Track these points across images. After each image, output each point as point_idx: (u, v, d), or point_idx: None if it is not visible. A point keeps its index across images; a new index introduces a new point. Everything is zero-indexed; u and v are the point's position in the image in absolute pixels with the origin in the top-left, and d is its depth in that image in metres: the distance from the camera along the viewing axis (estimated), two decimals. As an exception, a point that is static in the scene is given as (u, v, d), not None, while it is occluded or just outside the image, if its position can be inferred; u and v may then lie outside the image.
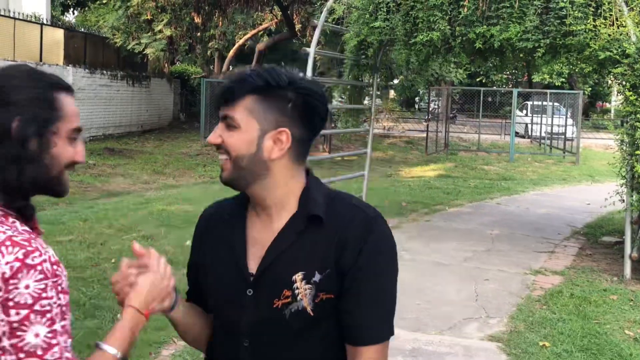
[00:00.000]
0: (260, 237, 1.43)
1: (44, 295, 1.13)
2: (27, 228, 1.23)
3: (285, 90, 1.37)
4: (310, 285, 1.35)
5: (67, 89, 1.35)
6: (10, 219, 1.22)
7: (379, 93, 14.55)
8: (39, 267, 1.13)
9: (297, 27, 19.58)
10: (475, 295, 5.64)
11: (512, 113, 18.63)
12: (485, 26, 6.78)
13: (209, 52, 19.72)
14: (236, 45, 21.76)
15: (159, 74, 23.15)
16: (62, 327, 1.15)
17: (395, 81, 21.80)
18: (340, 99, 19.06)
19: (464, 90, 25.43)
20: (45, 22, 18.18)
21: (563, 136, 19.23)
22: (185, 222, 7.70)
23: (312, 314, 1.35)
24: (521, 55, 8.05)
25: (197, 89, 24.29)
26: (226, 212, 1.53)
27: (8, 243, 1.14)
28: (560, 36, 6.49)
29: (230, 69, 22.32)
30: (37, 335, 1.12)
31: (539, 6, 6.53)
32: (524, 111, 23.74)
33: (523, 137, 22.79)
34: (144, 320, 1.37)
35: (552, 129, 19.62)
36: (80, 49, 18.87)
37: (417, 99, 38.72)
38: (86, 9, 27.10)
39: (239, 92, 1.37)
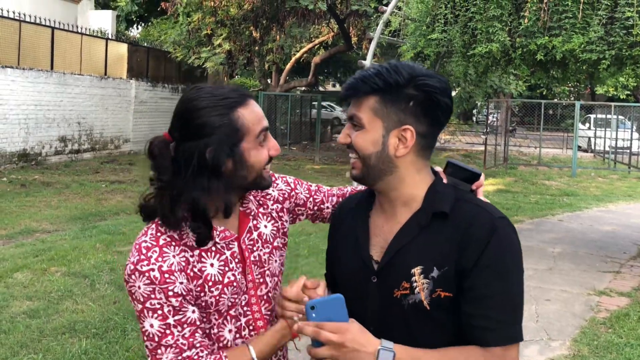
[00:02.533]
0: (384, 229, 1.48)
1: (152, 296, 1.39)
2: (168, 234, 1.44)
3: (406, 88, 1.40)
4: (428, 280, 1.38)
5: (243, 101, 1.48)
6: (163, 229, 1.45)
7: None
8: (146, 274, 1.39)
9: (354, 39, 19.60)
10: (536, 316, 5.44)
11: (575, 126, 18.05)
12: (547, 37, 6.60)
13: (266, 66, 19.95)
14: (293, 59, 21.95)
15: (218, 87, 23.58)
16: (176, 320, 1.40)
17: (453, 93, 21.53)
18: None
19: (524, 103, 24.87)
20: (110, 37, 18.81)
21: (628, 150, 18.51)
22: (241, 234, 7.77)
23: (428, 307, 1.38)
24: (584, 67, 7.80)
25: (255, 102, 24.63)
26: (354, 204, 1.60)
27: (135, 248, 1.43)
28: (627, 47, 6.25)
29: (287, 81, 22.53)
30: (151, 325, 1.39)
31: (604, 16, 6.31)
32: (587, 124, 23.02)
33: (586, 151, 22.08)
34: (289, 337, 1.51)
35: (616, 143, 18.93)
36: (143, 62, 19.43)
37: (475, 111, 38.14)
38: (149, 24, 27.92)
39: (361, 93, 1.43)
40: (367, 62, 7.64)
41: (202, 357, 1.41)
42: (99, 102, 16.45)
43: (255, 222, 1.60)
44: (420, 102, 1.40)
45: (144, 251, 1.41)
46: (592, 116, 22.71)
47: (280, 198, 1.69)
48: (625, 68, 7.06)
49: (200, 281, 1.45)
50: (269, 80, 24.50)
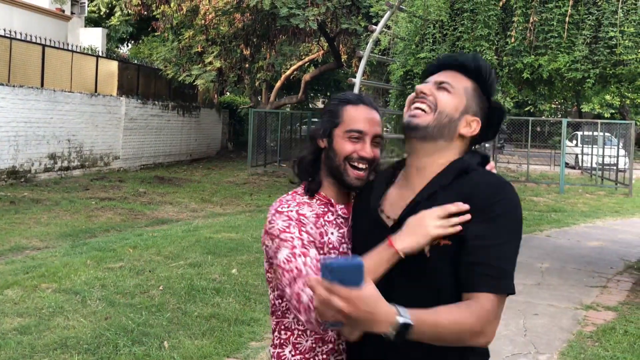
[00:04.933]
0: (405, 193, 1.64)
1: (287, 230, 1.70)
2: (305, 198, 1.83)
3: (490, 96, 1.68)
4: None
5: (354, 102, 1.84)
6: (300, 191, 1.86)
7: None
8: (285, 213, 1.74)
9: (343, 57, 19.78)
10: (524, 330, 5.50)
11: (562, 143, 18.26)
12: (533, 56, 6.73)
13: (257, 83, 20.07)
14: (283, 76, 22.10)
15: (209, 105, 23.68)
16: (302, 252, 1.67)
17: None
18: (385, 129, 19.06)
19: (512, 120, 25.12)
20: (100, 54, 18.87)
21: (615, 167, 18.71)
22: (231, 250, 7.79)
23: (428, 254, 1.50)
24: (570, 85, 7.94)
25: (245, 119, 24.72)
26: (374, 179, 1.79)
27: (276, 201, 1.81)
28: (611, 66, 6.38)
29: (277, 99, 22.64)
30: (282, 255, 1.68)
31: (588, 36, 6.45)
32: (574, 141, 23.26)
33: (573, 168, 22.29)
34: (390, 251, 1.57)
35: (603, 160, 19.14)
36: (133, 80, 19.49)
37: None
38: (140, 41, 28.03)
39: (470, 71, 1.65)
40: (357, 80, 7.73)
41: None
42: (89, 120, 16.47)
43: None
44: (490, 113, 1.68)
45: (284, 201, 1.79)
46: (579, 133, 22.96)
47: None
48: (610, 86, 7.20)
49: (321, 244, 1.75)
50: (259, 98, 24.62)
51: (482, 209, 1.48)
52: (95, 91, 17.37)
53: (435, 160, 1.61)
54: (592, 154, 19.81)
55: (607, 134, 20.41)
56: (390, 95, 9.25)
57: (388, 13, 7.67)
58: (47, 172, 14.94)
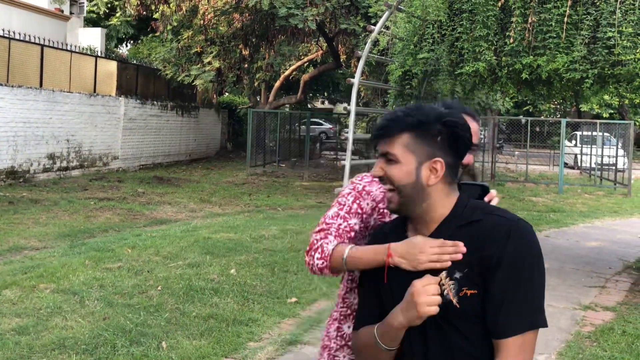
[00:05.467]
0: None
1: (345, 196, 1.96)
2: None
3: (434, 125, 1.61)
4: (453, 282, 1.56)
5: (473, 116, 2.13)
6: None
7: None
8: (351, 186, 1.99)
9: (342, 57, 19.78)
10: (522, 330, 5.49)
11: (561, 143, 18.27)
12: (531, 56, 6.72)
13: (256, 83, 20.07)
14: (282, 76, 22.10)
15: (208, 105, 23.67)
16: (343, 217, 1.92)
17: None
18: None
19: (511, 120, 25.12)
20: (99, 54, 18.86)
21: (614, 167, 18.72)
22: (230, 250, 7.79)
23: (457, 305, 1.54)
24: (569, 85, 7.94)
25: (244, 119, 24.72)
26: (387, 229, 1.80)
27: (360, 174, 2.03)
28: (609, 66, 6.38)
29: (276, 99, 22.64)
30: (330, 212, 1.95)
31: (586, 36, 6.45)
32: (573, 141, 23.27)
33: (572, 168, 22.30)
34: (384, 256, 1.69)
35: (602, 160, 19.15)
36: (132, 80, 19.48)
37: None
38: (139, 41, 28.02)
39: (395, 130, 1.63)
40: (356, 80, 7.73)
41: (329, 242, 1.87)
42: (88, 120, 16.46)
43: None
44: (447, 137, 1.61)
45: (361, 175, 2.01)
46: (578, 133, 22.97)
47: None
48: (608, 86, 7.20)
49: (367, 219, 1.96)
50: (258, 98, 24.62)
51: (497, 257, 1.54)
52: (94, 91, 17.37)
53: (433, 216, 1.64)
54: (591, 154, 19.82)
55: (606, 134, 20.42)
56: (389, 96, 9.25)
57: (387, 13, 7.67)
58: (46, 172, 14.94)
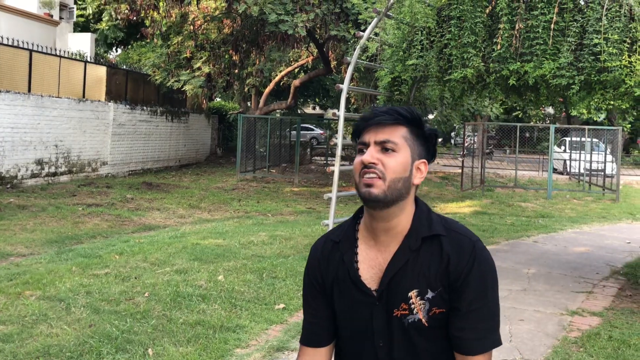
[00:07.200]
0: (379, 260, 1.62)
1: None
2: None
3: (423, 127, 1.64)
4: (424, 301, 1.57)
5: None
6: None
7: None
8: None
9: (333, 63, 19.81)
10: (510, 336, 5.51)
11: (550, 149, 18.38)
12: (519, 63, 6.76)
13: (246, 89, 20.04)
14: (273, 82, 22.09)
15: (198, 110, 23.63)
16: None
17: (430, 116, 21.79)
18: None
19: (501, 126, 25.24)
20: (89, 59, 18.78)
21: (602, 173, 18.85)
22: (218, 256, 7.76)
23: (426, 324, 1.57)
24: (556, 91, 7.98)
25: (234, 124, 24.69)
26: (336, 238, 1.71)
27: None
28: (595, 72, 6.42)
29: (267, 104, 22.63)
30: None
31: (573, 43, 6.50)
32: (562, 147, 23.40)
33: (561, 173, 22.42)
34: None
35: (591, 166, 19.26)
36: (122, 85, 19.42)
37: (452, 134, 38.56)
38: (129, 47, 27.95)
39: (398, 120, 1.60)
40: (345, 86, 7.73)
41: None
42: (77, 125, 16.39)
43: None
44: (430, 142, 1.65)
45: None
46: (567, 139, 23.10)
47: None
48: (595, 93, 7.24)
49: None
50: (248, 103, 24.60)
51: (463, 277, 1.56)
52: (83, 96, 17.29)
53: (400, 220, 1.61)
54: (580, 160, 19.94)
55: (594, 139, 20.56)
56: (377, 102, 9.26)
57: (375, 20, 7.68)
58: (34, 177, 14.84)
